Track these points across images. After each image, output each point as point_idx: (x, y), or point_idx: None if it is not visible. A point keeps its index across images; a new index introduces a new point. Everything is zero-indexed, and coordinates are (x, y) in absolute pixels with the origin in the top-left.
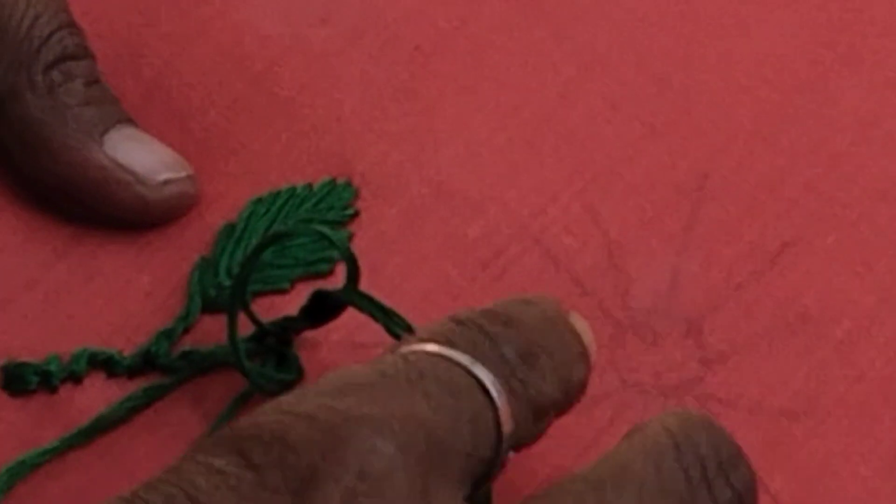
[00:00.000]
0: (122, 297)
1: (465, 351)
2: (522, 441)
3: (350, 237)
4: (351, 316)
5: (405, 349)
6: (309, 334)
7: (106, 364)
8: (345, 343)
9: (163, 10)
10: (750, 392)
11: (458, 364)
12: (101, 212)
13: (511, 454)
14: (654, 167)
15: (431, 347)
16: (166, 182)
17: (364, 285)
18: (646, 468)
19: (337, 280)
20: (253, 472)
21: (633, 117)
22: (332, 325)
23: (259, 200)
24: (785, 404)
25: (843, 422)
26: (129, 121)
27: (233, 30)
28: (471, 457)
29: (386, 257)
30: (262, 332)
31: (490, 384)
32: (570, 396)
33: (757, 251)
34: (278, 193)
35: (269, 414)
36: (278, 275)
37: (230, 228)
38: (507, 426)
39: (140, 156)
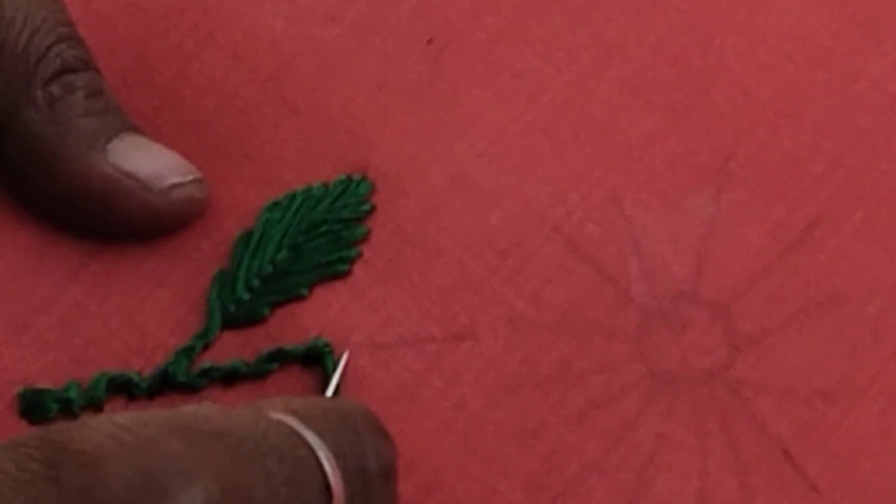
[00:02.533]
0: (140, 315)
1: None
2: None
3: (367, 233)
4: (370, 316)
5: (273, 413)
6: (329, 337)
7: (125, 387)
8: (366, 345)
9: (171, 21)
10: (782, 376)
11: (306, 444)
12: (109, 222)
13: None
14: (675, 151)
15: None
16: (173, 187)
17: (382, 283)
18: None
19: (356, 280)
20: (56, 490)
21: (652, 101)
22: (351, 326)
23: (275, 204)
24: (818, 386)
25: (878, 401)
26: (134, 129)
27: (242, 36)
28: None
29: (404, 252)
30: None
31: (326, 461)
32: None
33: (784, 231)
34: (294, 195)
35: (99, 428)
36: (295, 281)
37: (247, 237)
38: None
39: (144, 162)
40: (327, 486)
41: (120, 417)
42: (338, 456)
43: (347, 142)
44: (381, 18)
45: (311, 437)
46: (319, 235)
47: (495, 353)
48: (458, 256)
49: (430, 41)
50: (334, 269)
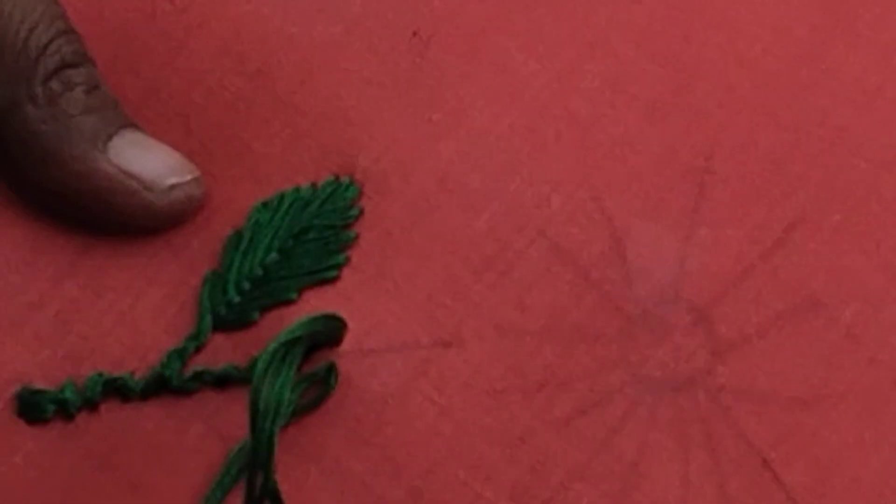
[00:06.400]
0: (133, 314)
1: None
2: None
3: (355, 238)
4: (358, 322)
5: None
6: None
7: (120, 389)
8: (354, 351)
9: (158, 5)
10: (761, 382)
11: None
12: (108, 220)
13: None
14: (657, 149)
15: None
16: (173, 187)
17: (370, 288)
18: None
19: (345, 285)
20: None
21: (634, 98)
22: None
23: (264, 205)
24: (796, 393)
25: (853, 408)
26: (132, 125)
27: (231, 23)
28: None
29: (392, 257)
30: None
31: None
32: None
33: (764, 233)
34: (283, 196)
35: None
36: (285, 286)
37: (237, 238)
38: None
39: (145, 161)
40: None
41: None
42: None
43: (334, 140)
44: (369, 9)
45: None
46: (309, 241)
47: (482, 359)
48: (445, 262)
49: (415, 33)
50: (324, 275)
